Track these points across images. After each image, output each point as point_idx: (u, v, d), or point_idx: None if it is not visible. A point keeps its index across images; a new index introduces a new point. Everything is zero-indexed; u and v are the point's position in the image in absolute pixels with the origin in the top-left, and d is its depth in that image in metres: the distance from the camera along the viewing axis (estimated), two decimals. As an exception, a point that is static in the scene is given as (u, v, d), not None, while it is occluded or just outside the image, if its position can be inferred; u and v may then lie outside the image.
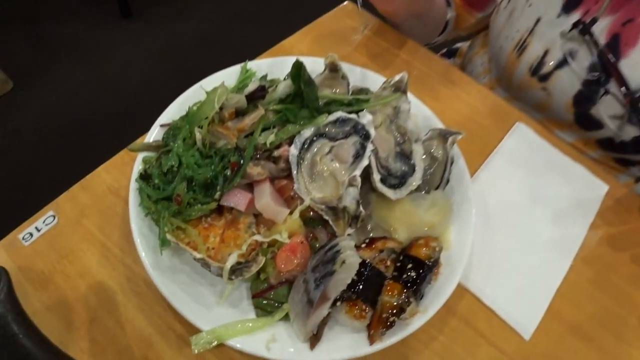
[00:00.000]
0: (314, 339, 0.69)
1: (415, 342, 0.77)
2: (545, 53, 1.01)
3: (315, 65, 0.96)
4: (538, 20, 1.01)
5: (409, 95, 0.91)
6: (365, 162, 0.74)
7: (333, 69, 0.91)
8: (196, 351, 0.65)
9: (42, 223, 0.80)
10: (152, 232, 0.75)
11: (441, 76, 1.10)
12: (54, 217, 0.81)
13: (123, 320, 0.74)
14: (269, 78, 0.93)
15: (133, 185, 0.77)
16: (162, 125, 0.84)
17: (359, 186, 0.71)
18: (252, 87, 0.78)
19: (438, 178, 0.84)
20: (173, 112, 0.86)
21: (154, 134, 0.83)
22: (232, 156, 0.73)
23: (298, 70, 0.78)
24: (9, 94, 1.96)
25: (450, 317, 0.80)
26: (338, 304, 0.70)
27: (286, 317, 0.71)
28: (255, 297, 0.72)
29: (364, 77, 0.97)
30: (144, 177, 0.77)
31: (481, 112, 1.05)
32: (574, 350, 0.79)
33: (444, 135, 0.86)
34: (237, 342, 0.67)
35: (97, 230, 0.81)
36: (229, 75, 0.93)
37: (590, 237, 0.90)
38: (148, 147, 0.81)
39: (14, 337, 0.52)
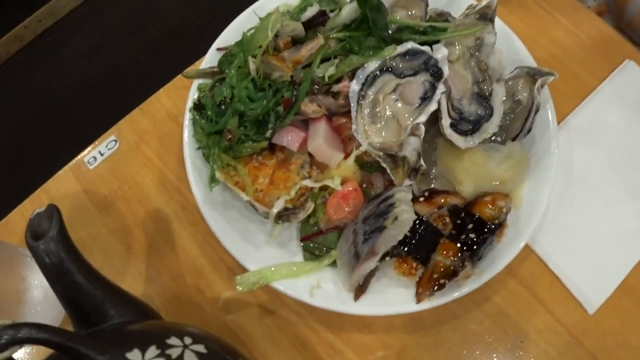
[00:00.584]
0: (359, 290, 0.66)
1: (466, 299, 0.71)
2: None
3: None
4: None
5: (497, 21, 0.76)
6: (433, 107, 0.64)
7: (409, -14, 0.77)
8: (240, 289, 0.65)
9: (105, 147, 0.81)
10: (205, 165, 0.72)
11: (540, -4, 0.91)
12: (116, 141, 0.81)
13: (177, 248, 0.75)
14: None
15: (187, 115, 0.74)
16: (218, 49, 0.78)
17: (422, 136, 0.62)
18: (311, 12, 0.68)
19: (519, 125, 0.72)
20: (230, 34, 0.79)
21: (210, 58, 0.78)
22: (286, 91, 0.66)
23: (366, -7, 0.66)
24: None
25: (510, 279, 0.73)
26: (387, 258, 0.65)
27: (334, 264, 0.68)
28: (303, 240, 0.69)
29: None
30: (198, 107, 0.73)
31: (584, 44, 0.87)
32: (643, 330, 0.70)
33: (532, 75, 0.72)
34: (282, 285, 0.66)
35: (156, 156, 0.80)
36: (292, -6, 0.82)
37: (694, 205, 0.76)
38: (203, 74, 0.76)
39: (67, 272, 0.53)
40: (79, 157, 0.82)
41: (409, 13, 0.78)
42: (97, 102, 1.77)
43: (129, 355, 0.47)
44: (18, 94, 1.81)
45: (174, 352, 0.49)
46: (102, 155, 0.81)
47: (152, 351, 0.48)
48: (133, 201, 0.78)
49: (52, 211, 0.58)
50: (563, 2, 0.90)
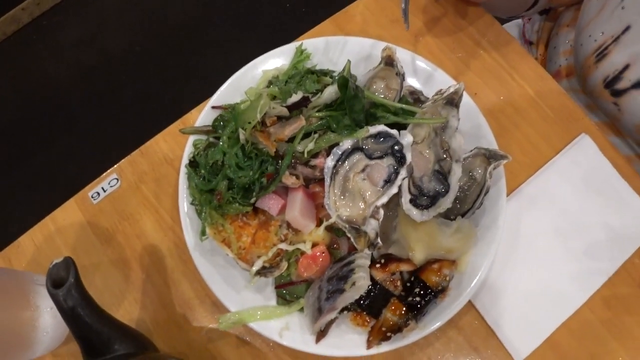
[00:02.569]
0: (320, 335, 0.82)
1: (411, 344, 0.89)
2: (626, 67, 0.91)
3: (374, 50, 0.95)
4: (627, 29, 0.90)
5: (466, 96, 0.89)
6: (394, 190, 0.79)
7: (389, 62, 0.90)
8: (222, 327, 0.82)
9: (107, 184, 0.95)
10: (197, 216, 0.87)
11: (509, 62, 1.02)
12: (117, 179, 0.95)
13: (169, 281, 0.91)
14: (325, 60, 0.94)
15: (183, 170, 0.87)
16: (213, 107, 0.91)
17: (381, 220, 0.77)
18: (295, 98, 0.81)
19: (471, 201, 0.87)
20: (224, 94, 0.92)
21: (204, 115, 0.91)
22: (270, 165, 0.80)
23: (345, 81, 0.78)
24: None
25: (450, 328, 0.90)
26: (345, 312, 0.81)
27: (301, 310, 0.85)
28: (277, 287, 0.85)
29: (422, 72, 0.94)
30: (193, 164, 0.86)
31: (546, 115, 1.00)
32: (561, 383, 0.88)
33: (487, 157, 0.86)
34: (257, 325, 0.82)
35: (153, 197, 0.95)
36: (283, 54, 0.94)
37: (619, 276, 0.92)
38: (198, 131, 0.89)
39: (81, 315, 0.69)
40: (83, 190, 0.96)
41: (386, 84, 0.91)
42: (94, 92, 1.87)
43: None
44: (13, 74, 1.91)
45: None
46: (104, 191, 0.95)
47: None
48: (132, 236, 0.93)
49: (69, 263, 0.74)
50: (532, 72, 1.02)
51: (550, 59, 1.17)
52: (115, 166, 0.96)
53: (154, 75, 1.88)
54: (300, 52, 0.93)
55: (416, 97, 0.90)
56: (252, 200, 0.81)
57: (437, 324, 0.82)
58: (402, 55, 0.92)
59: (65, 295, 0.69)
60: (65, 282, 0.70)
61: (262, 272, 0.79)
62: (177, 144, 0.97)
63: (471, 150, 0.88)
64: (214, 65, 1.82)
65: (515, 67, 1.02)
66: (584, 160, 0.98)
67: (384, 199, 0.79)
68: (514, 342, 0.89)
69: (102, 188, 0.95)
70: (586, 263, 0.93)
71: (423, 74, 0.94)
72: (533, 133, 0.99)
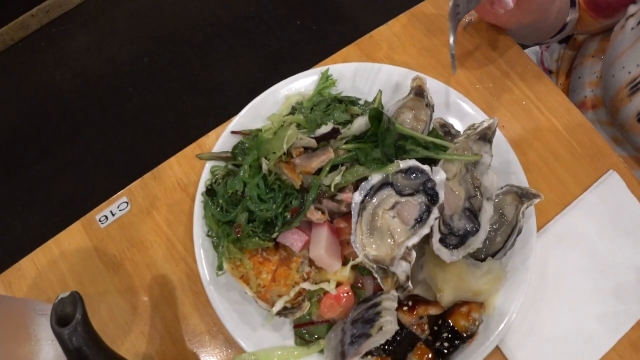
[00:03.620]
0: (341, 380, 0.75)
1: (435, 388, 0.82)
2: None
3: (402, 79, 0.88)
4: None
5: (497, 132, 0.83)
6: (426, 230, 0.72)
7: (419, 93, 0.84)
8: (237, 369, 0.74)
9: (116, 208, 0.87)
10: (212, 247, 0.80)
11: (537, 94, 0.97)
12: (127, 203, 0.88)
13: (179, 314, 0.83)
14: (351, 87, 0.88)
15: (199, 198, 0.80)
16: (232, 132, 0.84)
17: (412, 262, 0.70)
18: (325, 129, 0.74)
19: (501, 241, 0.81)
20: (244, 118, 0.85)
21: (223, 141, 0.83)
22: (294, 199, 0.73)
23: (378, 114, 0.72)
24: None
25: (476, 373, 0.83)
26: (369, 357, 0.74)
27: (321, 351, 0.77)
28: (296, 327, 0.78)
29: (453, 105, 0.88)
30: (210, 192, 0.79)
31: (574, 151, 0.94)
32: None
33: (520, 196, 0.80)
34: (274, 369, 0.75)
35: (165, 223, 0.87)
36: (307, 79, 0.88)
37: (648, 320, 0.86)
38: (217, 157, 0.82)
39: (89, 356, 0.61)
40: (90, 213, 0.88)
41: (415, 114, 0.85)
42: (99, 102, 1.79)
43: None
44: (19, 81, 1.82)
45: None
46: (113, 215, 0.87)
47: None
48: (141, 264, 0.85)
49: (76, 298, 0.66)
50: (560, 105, 0.96)
51: (573, 89, 1.12)
52: (125, 189, 0.89)
53: (160, 88, 1.81)
54: (325, 77, 0.86)
55: (446, 130, 0.83)
56: (274, 236, 0.74)
57: (464, 371, 0.75)
58: (432, 85, 0.86)
59: (71, 334, 0.61)
60: (71, 320, 0.62)
61: (283, 312, 0.72)
62: (192, 169, 0.89)
63: (502, 188, 0.82)
64: (220, 80, 1.74)
65: (543, 100, 0.96)
66: (612, 198, 0.92)
67: (415, 239, 0.72)
68: (541, 389, 0.83)
69: (111, 212, 0.87)
70: (614, 305, 0.87)
71: (454, 106, 0.88)
72: (560, 169, 0.93)
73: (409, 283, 0.71)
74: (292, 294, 0.73)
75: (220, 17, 1.82)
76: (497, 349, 0.84)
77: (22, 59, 1.81)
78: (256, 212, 0.73)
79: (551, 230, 0.90)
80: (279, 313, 0.72)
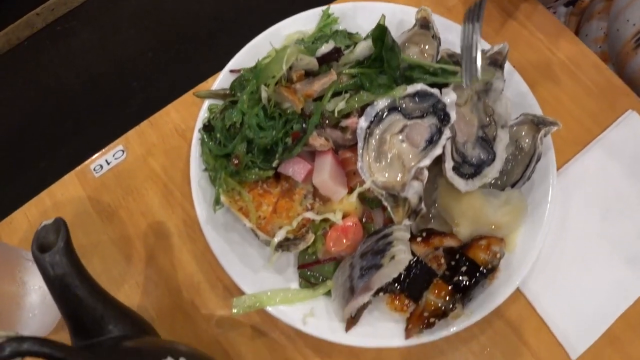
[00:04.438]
0: (351, 322, 0.68)
1: (453, 336, 0.73)
2: None
3: (405, 16, 0.84)
4: None
5: (506, 65, 0.78)
6: (438, 151, 0.66)
7: (424, 25, 0.79)
8: (236, 311, 0.67)
9: (112, 157, 0.82)
10: (210, 186, 0.74)
11: (548, 37, 0.92)
12: (123, 151, 0.83)
13: (176, 262, 0.77)
14: (353, 25, 0.83)
15: (196, 135, 0.75)
16: (231, 71, 0.80)
17: (425, 181, 0.64)
18: (326, 48, 0.69)
19: (519, 172, 0.74)
20: (244, 57, 0.80)
21: (222, 80, 0.79)
22: (295, 123, 0.68)
23: (382, 33, 0.67)
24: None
25: (497, 319, 0.75)
26: (381, 294, 0.67)
27: (328, 293, 0.70)
28: (301, 268, 0.71)
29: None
30: (208, 128, 0.74)
31: (590, 91, 0.88)
32: (624, 381, 0.73)
33: (536, 124, 0.74)
34: (276, 311, 0.68)
35: (162, 170, 0.82)
36: (307, 20, 0.84)
37: (683, 261, 0.78)
38: (214, 95, 0.78)
39: (70, 286, 0.55)
40: (85, 163, 0.83)
41: (422, 48, 0.80)
42: (104, 99, 1.78)
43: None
44: (25, 80, 1.81)
45: (169, 374, 0.52)
46: (108, 164, 0.82)
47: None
48: (136, 212, 0.80)
49: (60, 224, 0.60)
50: (573, 47, 0.91)
51: (582, 46, 1.08)
52: (121, 137, 0.84)
53: (164, 82, 1.78)
54: (327, 15, 0.82)
55: (455, 60, 0.78)
56: (275, 164, 0.68)
57: (488, 310, 0.67)
58: (438, 21, 0.81)
59: (52, 260, 0.55)
60: (54, 247, 0.57)
61: (284, 244, 0.65)
62: (189, 114, 0.84)
63: (517, 118, 0.76)
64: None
65: (555, 43, 0.91)
66: (632, 137, 0.85)
67: (427, 161, 0.66)
68: (569, 336, 0.74)
69: (106, 160, 0.82)
70: (642, 248, 0.80)
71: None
72: (576, 109, 0.87)
73: (422, 205, 0.64)
74: (294, 224, 0.66)
75: (222, 11, 1.82)
76: (521, 293, 0.76)
77: (28, 58, 1.80)
78: (255, 140, 0.68)
79: (571, 170, 0.83)
80: (280, 245, 0.65)
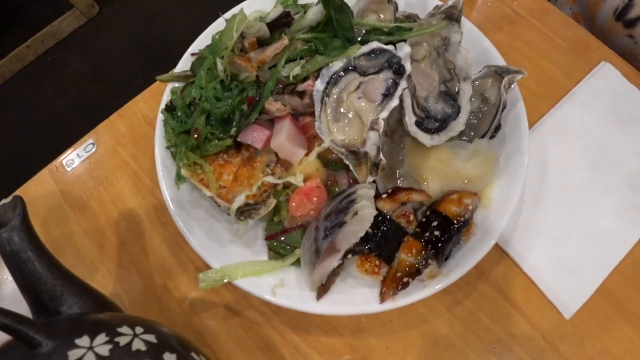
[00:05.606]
0: (322, 290, 0.64)
1: (436, 302, 0.70)
2: None
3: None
4: None
5: (465, 22, 0.77)
6: (394, 103, 0.64)
7: (379, -9, 0.79)
8: (203, 286, 0.65)
9: (83, 150, 0.82)
10: (175, 165, 0.73)
11: (516, 0, 0.91)
12: (94, 144, 0.83)
13: (148, 248, 0.75)
14: (313, 1, 0.83)
15: (159, 117, 0.75)
16: (192, 54, 0.80)
17: (381, 130, 0.62)
18: (275, 13, 0.69)
19: (487, 124, 0.72)
20: (204, 40, 0.80)
21: (184, 63, 0.79)
22: (251, 90, 0.67)
23: (329, -7, 0.67)
24: (95, 18, 2.03)
25: (482, 282, 0.71)
26: (350, 256, 0.64)
27: (298, 263, 0.67)
28: (268, 239, 0.69)
29: (418, 2, 0.83)
30: (169, 108, 0.74)
31: (559, 47, 0.86)
32: (622, 338, 0.67)
33: (500, 74, 0.72)
34: (244, 283, 0.65)
35: (131, 158, 0.82)
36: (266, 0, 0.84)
37: (674, 206, 0.74)
38: (176, 78, 0.77)
39: (27, 261, 0.54)
40: (57, 159, 0.83)
41: (380, 17, 0.80)
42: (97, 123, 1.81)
43: (77, 341, 0.47)
44: (18, 112, 1.85)
45: (123, 340, 0.49)
46: (79, 157, 0.82)
47: (101, 338, 0.48)
48: (107, 202, 0.79)
49: (17, 201, 0.59)
50: (537, 5, 0.90)
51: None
52: (92, 131, 0.84)
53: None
54: (284, -8, 0.82)
55: (412, 21, 0.77)
56: (233, 132, 0.67)
57: (466, 268, 0.63)
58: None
59: (8, 236, 0.54)
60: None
61: (245, 209, 0.63)
62: (157, 103, 0.82)
63: (480, 71, 0.74)
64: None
65: (520, 3, 0.90)
66: (609, 88, 0.82)
67: (384, 113, 0.64)
68: (560, 294, 0.70)
69: (77, 154, 0.82)
70: (629, 196, 0.75)
71: (420, 5, 0.82)
72: (548, 64, 0.85)
73: (381, 155, 0.62)
74: (255, 189, 0.64)
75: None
76: (504, 253, 0.72)
77: (21, 90, 1.85)
78: (213, 111, 0.67)
79: (546, 124, 0.80)
80: (241, 211, 0.63)
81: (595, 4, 0.88)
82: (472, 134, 0.72)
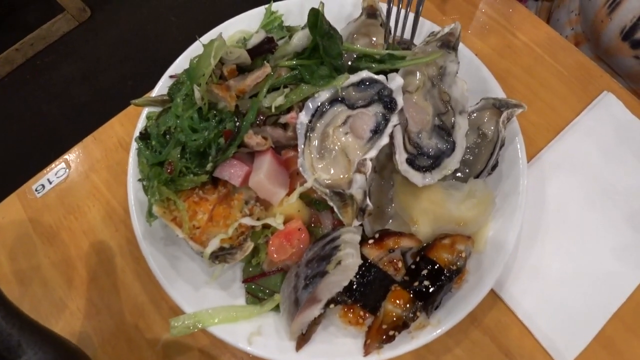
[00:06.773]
0: (302, 339, 0.59)
1: (425, 350, 0.64)
2: None
3: (356, 10, 0.78)
4: None
5: (462, 48, 0.71)
6: (384, 141, 0.58)
7: (371, 14, 0.72)
8: (175, 333, 0.59)
9: (54, 175, 0.76)
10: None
11: (515, 25, 0.85)
12: (65, 169, 0.77)
13: (119, 284, 0.69)
14: (300, 23, 0.77)
15: (134, 145, 0.69)
16: (171, 77, 0.74)
17: (368, 173, 0.56)
18: (257, 38, 0.63)
19: (483, 161, 0.66)
20: (184, 61, 0.74)
21: (162, 86, 0.73)
22: (229, 122, 0.61)
23: (315, 18, 0.61)
24: (86, 22, 1.96)
25: (473, 328, 0.65)
26: (332, 305, 0.58)
27: (277, 308, 0.62)
28: (246, 282, 0.63)
29: (410, 27, 0.77)
30: (144, 136, 0.68)
31: (561, 75, 0.81)
32: (625, 391, 0.62)
33: (498, 107, 0.66)
34: (219, 330, 0.59)
35: (104, 186, 0.76)
36: (251, 19, 0.78)
37: (679, 250, 0.68)
38: (152, 102, 0.71)
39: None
40: (26, 183, 0.77)
41: (372, 40, 0.74)
42: (86, 128, 1.77)
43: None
44: (6, 116, 1.79)
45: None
46: (50, 183, 0.76)
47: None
48: (78, 232, 0.73)
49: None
50: (538, 31, 0.84)
51: (554, 32, 1.00)
52: (64, 155, 0.78)
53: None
54: (270, 12, 0.77)
55: (405, 47, 0.72)
56: (209, 167, 0.61)
57: (458, 318, 0.58)
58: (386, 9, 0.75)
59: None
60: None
61: (220, 254, 0.57)
62: (133, 127, 0.77)
63: (477, 103, 0.68)
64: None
65: (519, 27, 0.84)
66: (611, 119, 0.77)
67: (373, 153, 0.58)
68: (556, 341, 0.65)
69: (48, 180, 0.76)
70: (630, 235, 0.70)
71: (411, 28, 0.76)
72: (547, 93, 0.79)
73: (367, 201, 0.56)
74: (230, 231, 0.58)
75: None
76: (498, 298, 0.67)
77: (9, 93, 1.78)
78: (188, 143, 0.61)
79: (545, 158, 0.75)
80: (215, 255, 0.57)
81: (602, 22, 0.82)
82: (467, 171, 0.67)
